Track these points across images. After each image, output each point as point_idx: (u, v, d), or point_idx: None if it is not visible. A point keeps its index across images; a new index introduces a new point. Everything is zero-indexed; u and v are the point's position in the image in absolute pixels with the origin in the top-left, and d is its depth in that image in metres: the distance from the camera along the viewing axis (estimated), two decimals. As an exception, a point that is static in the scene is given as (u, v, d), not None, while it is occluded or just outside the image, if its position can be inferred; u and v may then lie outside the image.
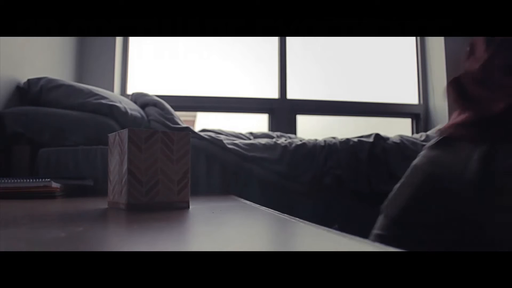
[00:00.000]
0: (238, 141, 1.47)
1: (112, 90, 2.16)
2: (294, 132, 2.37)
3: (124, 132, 0.70)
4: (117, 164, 0.73)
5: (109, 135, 0.79)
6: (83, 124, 1.35)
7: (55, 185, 0.99)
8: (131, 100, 1.80)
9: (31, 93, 1.46)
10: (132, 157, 0.68)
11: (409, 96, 2.66)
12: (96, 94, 1.46)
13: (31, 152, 1.31)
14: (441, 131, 0.85)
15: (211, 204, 0.83)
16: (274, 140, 1.51)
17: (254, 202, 0.86)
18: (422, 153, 0.87)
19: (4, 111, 1.34)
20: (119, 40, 2.29)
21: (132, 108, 1.52)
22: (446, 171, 0.78)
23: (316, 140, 1.50)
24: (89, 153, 1.28)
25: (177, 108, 2.24)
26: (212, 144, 1.37)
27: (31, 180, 0.99)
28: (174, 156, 0.72)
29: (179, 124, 1.54)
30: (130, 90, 2.33)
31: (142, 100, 1.68)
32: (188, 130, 1.48)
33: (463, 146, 0.78)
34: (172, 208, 0.70)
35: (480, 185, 0.72)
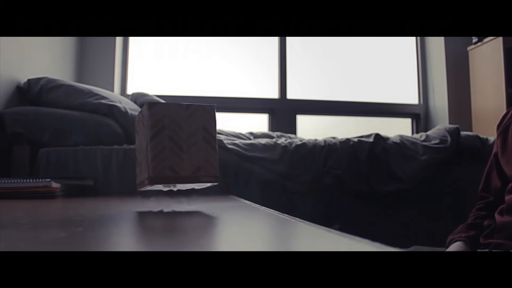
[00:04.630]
0: (238, 141, 1.47)
1: (112, 90, 2.16)
2: (294, 132, 2.37)
3: (160, 105, 0.66)
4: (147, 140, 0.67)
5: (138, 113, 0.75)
6: (83, 124, 1.35)
7: (55, 185, 0.99)
8: (131, 100, 1.80)
9: (31, 93, 1.46)
10: (173, 134, 0.64)
11: (409, 96, 2.66)
12: (96, 94, 1.46)
13: (31, 152, 1.31)
14: None
15: (211, 204, 0.83)
16: (274, 140, 1.51)
17: (254, 202, 0.86)
18: None
19: (4, 111, 1.34)
20: (119, 40, 2.29)
21: (132, 108, 1.52)
22: None
23: (316, 140, 1.50)
24: (89, 153, 1.28)
25: (177, 108, 2.23)
26: (212, 144, 1.37)
27: (31, 180, 0.98)
28: (213, 131, 0.69)
29: (179, 124, 1.54)
30: (130, 90, 2.33)
31: (142, 100, 1.68)
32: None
33: None
34: (198, 182, 0.66)
35: None
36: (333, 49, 2.60)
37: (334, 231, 0.41)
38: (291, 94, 2.46)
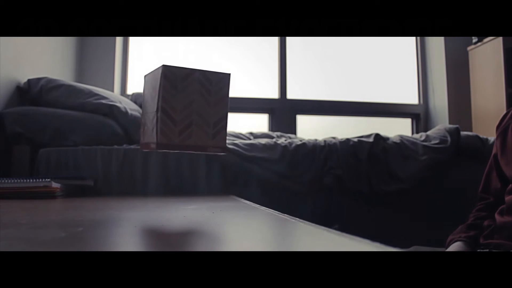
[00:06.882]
0: (238, 141, 1.47)
1: (112, 90, 2.15)
2: (294, 132, 2.37)
3: (158, 70, 0.65)
4: (149, 103, 0.69)
5: (144, 75, 0.75)
6: (83, 124, 1.35)
7: (55, 185, 0.99)
8: (131, 100, 1.80)
9: (31, 93, 1.46)
10: (167, 95, 0.63)
11: (409, 96, 2.65)
12: (96, 94, 1.46)
13: (31, 152, 1.31)
14: None
15: (211, 204, 0.83)
16: (274, 140, 1.51)
17: (254, 202, 0.86)
18: None
19: (4, 111, 1.34)
20: (119, 40, 2.29)
21: (132, 108, 1.52)
22: None
23: (316, 140, 1.50)
24: (89, 153, 1.28)
25: (177, 108, 2.23)
26: (212, 144, 1.37)
27: (31, 180, 0.98)
28: (212, 98, 0.66)
29: (179, 124, 1.54)
30: (130, 90, 2.33)
31: (142, 100, 1.67)
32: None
33: None
34: (205, 152, 0.66)
35: None
36: (333, 49, 2.60)
37: (334, 231, 0.41)
38: (291, 94, 2.46)
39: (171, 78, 0.64)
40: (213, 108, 0.66)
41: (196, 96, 0.65)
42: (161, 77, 0.63)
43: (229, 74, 0.67)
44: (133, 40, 2.41)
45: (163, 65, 0.63)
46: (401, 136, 1.54)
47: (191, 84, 0.65)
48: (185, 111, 0.64)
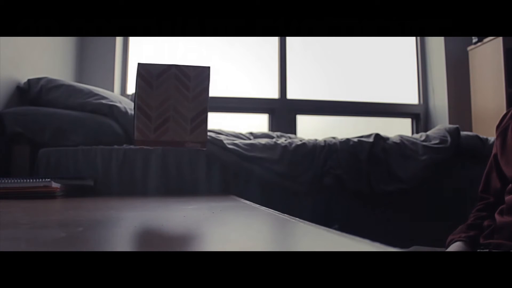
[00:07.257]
0: (238, 141, 1.47)
1: (112, 90, 2.16)
2: (294, 132, 2.37)
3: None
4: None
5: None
6: (83, 124, 1.35)
7: (55, 185, 0.99)
8: (131, 100, 1.80)
9: (31, 93, 1.46)
10: (142, 93, 0.63)
11: (409, 96, 2.65)
12: (96, 94, 1.46)
13: (31, 152, 1.31)
14: None
15: (211, 204, 0.83)
16: (274, 140, 1.51)
17: (254, 202, 0.86)
18: None
19: (4, 111, 1.34)
20: (119, 40, 2.29)
21: (132, 108, 1.52)
22: None
23: (316, 140, 1.50)
24: (89, 153, 1.28)
25: (177, 108, 2.23)
26: (212, 144, 1.37)
27: (31, 180, 0.98)
28: (190, 93, 0.65)
29: (179, 124, 1.54)
30: (130, 90, 2.33)
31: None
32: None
33: None
34: (184, 147, 0.65)
35: None
36: (333, 49, 2.60)
37: (334, 231, 0.41)
38: (291, 94, 2.46)
39: (146, 75, 0.64)
40: (191, 102, 0.65)
41: (172, 92, 0.64)
42: (136, 75, 0.63)
43: (209, 67, 0.66)
44: (133, 40, 2.41)
45: (138, 63, 0.64)
46: (401, 136, 1.54)
47: (167, 80, 0.65)
48: (161, 107, 0.64)
